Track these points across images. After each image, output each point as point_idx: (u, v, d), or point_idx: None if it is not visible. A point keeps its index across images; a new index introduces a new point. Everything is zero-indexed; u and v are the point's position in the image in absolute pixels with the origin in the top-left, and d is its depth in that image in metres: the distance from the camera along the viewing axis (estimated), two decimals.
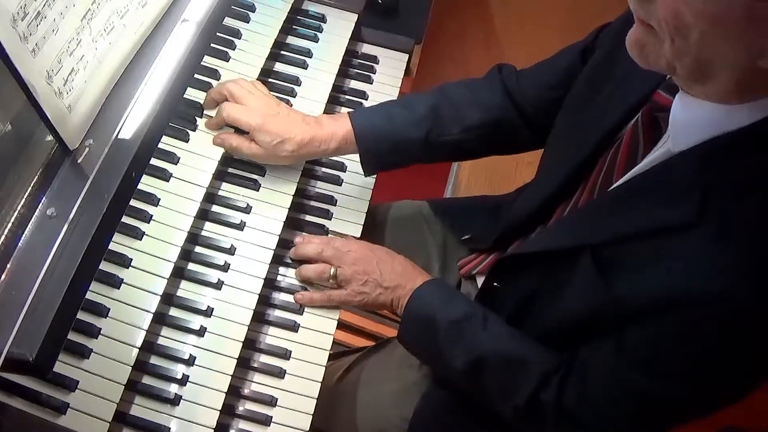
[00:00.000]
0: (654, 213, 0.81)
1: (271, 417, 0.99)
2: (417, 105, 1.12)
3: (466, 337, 1.01)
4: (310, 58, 1.26)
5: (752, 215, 0.75)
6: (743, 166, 0.76)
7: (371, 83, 1.33)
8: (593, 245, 0.86)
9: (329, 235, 1.15)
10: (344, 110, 1.26)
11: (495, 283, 1.07)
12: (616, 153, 0.92)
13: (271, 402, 1.00)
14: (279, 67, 1.25)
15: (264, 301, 1.07)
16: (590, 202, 0.96)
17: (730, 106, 0.75)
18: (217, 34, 1.16)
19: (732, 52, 0.69)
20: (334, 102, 1.29)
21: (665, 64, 0.75)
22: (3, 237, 0.82)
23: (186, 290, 1.01)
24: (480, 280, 1.20)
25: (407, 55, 1.38)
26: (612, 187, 0.91)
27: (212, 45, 1.15)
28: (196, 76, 1.11)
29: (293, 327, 1.06)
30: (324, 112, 1.21)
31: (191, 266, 1.03)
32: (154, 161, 1.01)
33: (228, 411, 0.98)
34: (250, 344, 1.04)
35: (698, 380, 0.82)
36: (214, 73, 1.13)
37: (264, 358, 1.04)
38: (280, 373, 1.02)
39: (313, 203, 1.18)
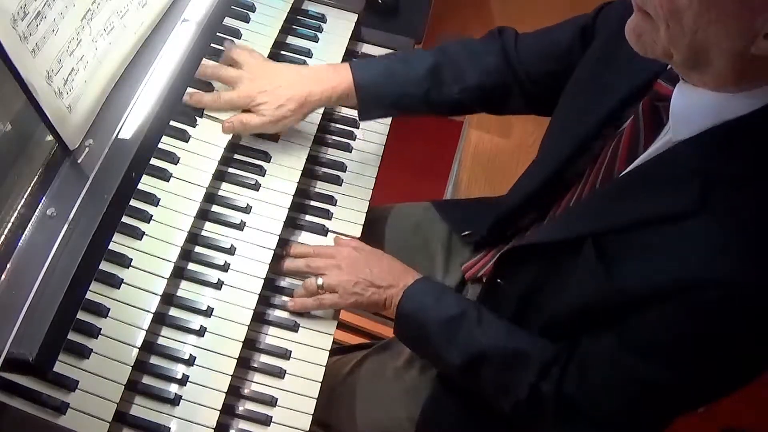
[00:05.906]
0: (655, 201, 0.82)
1: (271, 417, 0.99)
2: (417, 63, 1.15)
3: (462, 334, 1.01)
4: (310, 58, 1.26)
5: (752, 202, 0.76)
6: (743, 154, 0.77)
7: None
8: (595, 235, 0.87)
9: (329, 235, 1.15)
10: (344, 109, 1.28)
11: (498, 280, 1.07)
12: (618, 144, 0.92)
13: (271, 402, 1.00)
14: None
15: (264, 301, 1.07)
16: (592, 192, 0.96)
17: (729, 94, 0.76)
18: (217, 34, 1.16)
19: (725, 38, 0.70)
20: None
21: (662, 51, 0.76)
22: (3, 237, 0.82)
23: (186, 290, 1.01)
24: None
25: None
26: (614, 178, 0.92)
27: (212, 45, 1.14)
28: (196, 76, 1.11)
29: (293, 327, 1.06)
30: (324, 112, 1.22)
31: (191, 266, 1.03)
32: (154, 161, 1.01)
33: (228, 411, 0.98)
34: (250, 344, 1.04)
35: (699, 366, 0.82)
36: None
37: (264, 358, 1.04)
38: (280, 373, 1.02)
39: (313, 203, 1.18)
